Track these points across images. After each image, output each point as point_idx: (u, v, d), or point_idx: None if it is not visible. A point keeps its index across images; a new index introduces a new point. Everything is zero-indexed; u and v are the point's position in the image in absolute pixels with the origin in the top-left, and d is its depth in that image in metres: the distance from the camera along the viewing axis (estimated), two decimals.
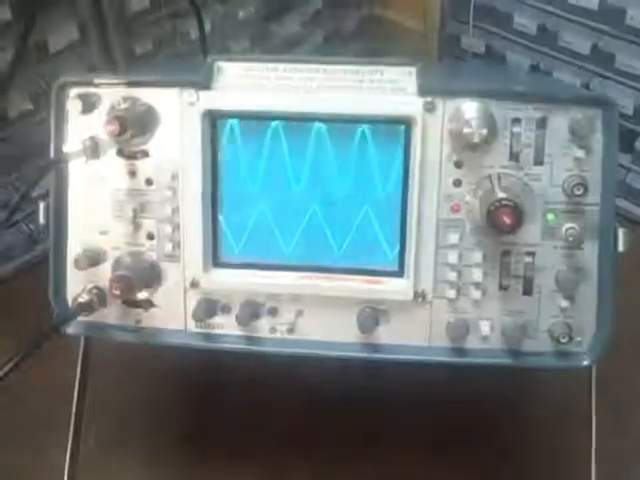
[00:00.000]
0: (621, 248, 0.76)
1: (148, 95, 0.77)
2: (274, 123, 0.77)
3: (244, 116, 0.77)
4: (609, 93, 1.31)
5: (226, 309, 0.81)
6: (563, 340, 0.77)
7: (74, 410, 0.85)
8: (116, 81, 0.76)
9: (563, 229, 0.76)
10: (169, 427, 0.98)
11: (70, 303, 0.80)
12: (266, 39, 1.49)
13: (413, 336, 0.80)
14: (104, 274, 0.80)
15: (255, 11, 1.45)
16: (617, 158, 0.75)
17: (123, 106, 0.76)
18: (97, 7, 1.22)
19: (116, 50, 1.27)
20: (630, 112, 1.31)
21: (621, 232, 0.76)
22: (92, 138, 0.77)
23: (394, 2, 1.70)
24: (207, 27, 1.30)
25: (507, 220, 0.71)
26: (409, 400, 0.99)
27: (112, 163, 0.78)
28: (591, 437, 0.81)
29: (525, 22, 1.41)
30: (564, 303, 0.78)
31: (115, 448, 0.95)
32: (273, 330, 0.81)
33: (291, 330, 0.81)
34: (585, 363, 0.79)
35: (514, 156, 0.75)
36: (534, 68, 1.42)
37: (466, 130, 0.72)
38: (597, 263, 0.77)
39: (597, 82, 1.34)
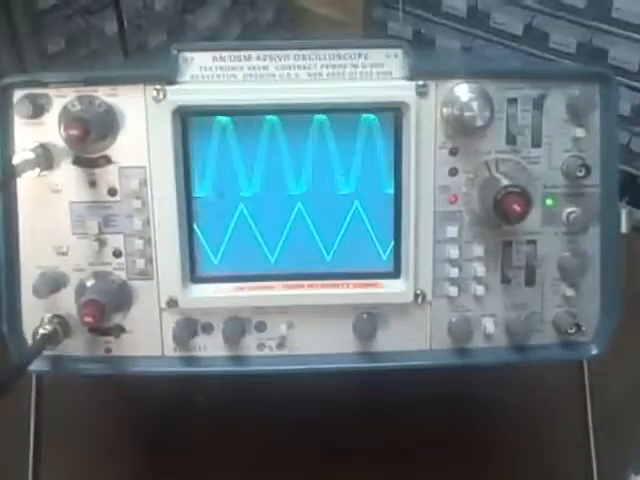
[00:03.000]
0: (624, 229, 0.73)
1: (107, 94, 0.68)
2: (252, 117, 0.69)
3: (219, 111, 0.69)
4: None
5: (208, 328, 0.73)
6: (570, 330, 0.73)
7: (31, 452, 0.75)
8: (70, 79, 0.66)
9: (564, 214, 0.72)
10: (136, 454, 0.88)
11: (29, 336, 0.70)
12: (184, 32, 1.40)
13: (413, 340, 0.74)
14: (65, 300, 0.71)
15: (172, 3, 1.36)
16: (617, 135, 0.72)
17: (79, 107, 0.67)
18: (4, 4, 1.10)
19: (27, 51, 1.15)
20: None
21: (624, 212, 0.73)
22: (44, 146, 0.67)
23: None
24: None
25: (517, 208, 0.66)
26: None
27: (68, 173, 0.69)
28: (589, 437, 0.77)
29: (455, 4, 1.37)
30: (568, 291, 0.74)
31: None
32: (261, 347, 0.74)
33: (281, 345, 0.74)
34: (593, 353, 0.75)
35: (511, 139, 0.71)
36: (466, 51, 1.39)
37: (467, 114, 0.67)
38: (600, 247, 0.73)
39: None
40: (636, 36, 1.22)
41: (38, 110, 0.67)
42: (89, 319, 0.66)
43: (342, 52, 0.69)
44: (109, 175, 0.69)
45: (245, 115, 0.69)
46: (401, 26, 1.43)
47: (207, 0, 1.44)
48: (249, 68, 0.69)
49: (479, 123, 0.67)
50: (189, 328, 0.72)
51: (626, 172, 1.32)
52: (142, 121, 0.68)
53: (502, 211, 0.67)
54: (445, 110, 0.69)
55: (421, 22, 1.42)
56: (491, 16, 1.33)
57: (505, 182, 0.67)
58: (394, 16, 1.44)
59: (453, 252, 0.72)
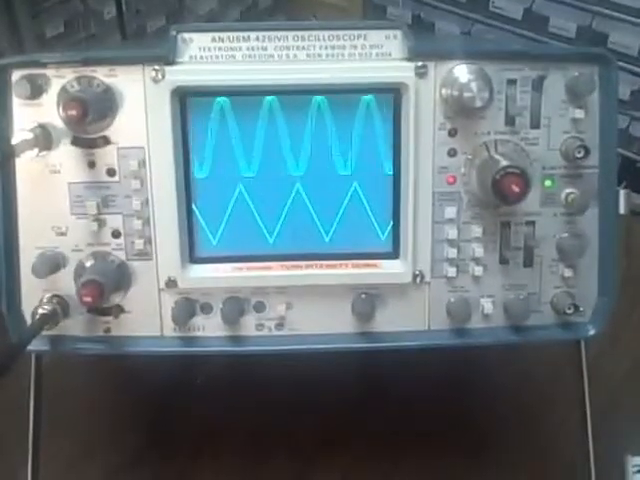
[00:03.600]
0: (622, 210, 0.73)
1: (106, 74, 0.68)
2: (251, 98, 0.69)
3: (218, 92, 0.69)
4: None
5: (207, 309, 0.73)
6: (568, 311, 0.73)
7: (31, 430, 0.75)
8: (69, 59, 0.66)
9: (562, 195, 0.72)
10: (135, 436, 0.89)
11: (28, 316, 0.70)
12: (182, 16, 1.40)
13: (411, 320, 0.74)
14: (64, 280, 0.71)
15: None
16: (617, 117, 0.72)
17: (77, 88, 0.67)
18: None
19: (25, 34, 1.15)
20: None
21: (622, 193, 0.73)
22: (42, 126, 0.67)
23: None
24: None
25: (516, 189, 0.66)
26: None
27: (67, 154, 0.69)
28: (586, 418, 0.78)
29: None
30: (566, 272, 0.74)
31: (81, 461, 0.85)
32: (260, 327, 0.74)
33: (280, 325, 0.74)
34: (591, 333, 0.76)
35: (510, 120, 0.71)
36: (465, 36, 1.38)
37: (466, 94, 0.67)
38: (598, 228, 0.73)
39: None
40: (636, 20, 1.22)
41: (37, 90, 0.67)
42: (88, 299, 0.66)
43: (341, 33, 0.69)
44: (108, 156, 0.69)
45: (244, 96, 0.69)
46: (401, 10, 1.43)
47: None
48: (248, 49, 0.69)
49: (478, 104, 0.67)
50: (188, 308, 0.72)
51: (625, 156, 1.31)
52: (141, 102, 0.68)
53: (501, 192, 0.67)
54: (444, 91, 0.69)
55: (420, 6, 1.41)
56: (490, 0, 1.32)
57: (504, 163, 0.67)
58: (393, 1, 1.43)
59: (452, 233, 0.72)
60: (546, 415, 0.90)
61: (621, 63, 1.20)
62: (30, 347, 0.69)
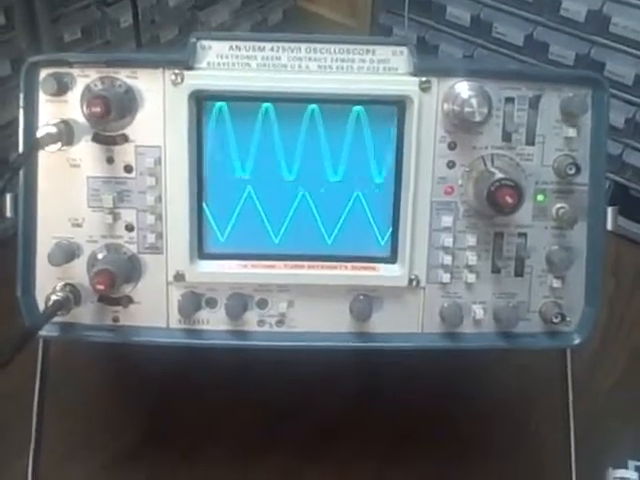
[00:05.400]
0: (610, 227, 0.77)
1: (128, 76, 0.71)
2: (264, 105, 0.73)
3: (232, 97, 0.72)
4: None
5: (212, 303, 0.77)
6: (555, 320, 0.77)
7: (35, 417, 0.78)
8: (94, 60, 0.70)
9: (553, 209, 0.76)
10: (134, 427, 0.92)
11: (41, 303, 0.74)
12: (195, 28, 1.45)
13: (406, 323, 0.78)
14: (77, 270, 0.74)
15: (185, 0, 1.41)
16: (607, 137, 0.75)
17: (100, 87, 0.71)
18: None
19: (45, 38, 1.19)
20: None
21: (610, 210, 0.77)
22: (65, 122, 0.71)
23: None
24: None
25: (510, 200, 0.70)
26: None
27: (87, 149, 0.72)
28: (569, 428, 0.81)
29: (458, 13, 1.41)
30: (555, 283, 0.77)
31: (79, 452, 0.88)
32: (262, 323, 0.77)
33: (281, 322, 0.78)
34: (576, 342, 0.79)
35: (506, 136, 0.75)
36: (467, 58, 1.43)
37: (467, 110, 0.71)
38: (586, 242, 0.77)
39: None
40: (632, 51, 1.26)
41: (62, 88, 0.71)
42: (101, 287, 0.70)
43: (351, 47, 0.73)
44: (126, 153, 0.73)
45: (258, 101, 0.73)
46: (406, 32, 1.48)
47: None
48: (263, 58, 0.73)
49: (477, 119, 0.71)
50: (194, 302, 0.75)
51: (618, 183, 1.35)
52: (160, 103, 0.72)
53: (495, 202, 0.70)
54: (446, 106, 0.73)
55: (426, 29, 1.46)
56: (493, 26, 1.37)
57: (499, 175, 0.71)
58: (400, 22, 1.48)
59: (447, 241, 0.76)
60: (533, 428, 0.94)
61: (616, 91, 1.25)
62: (41, 333, 0.73)
